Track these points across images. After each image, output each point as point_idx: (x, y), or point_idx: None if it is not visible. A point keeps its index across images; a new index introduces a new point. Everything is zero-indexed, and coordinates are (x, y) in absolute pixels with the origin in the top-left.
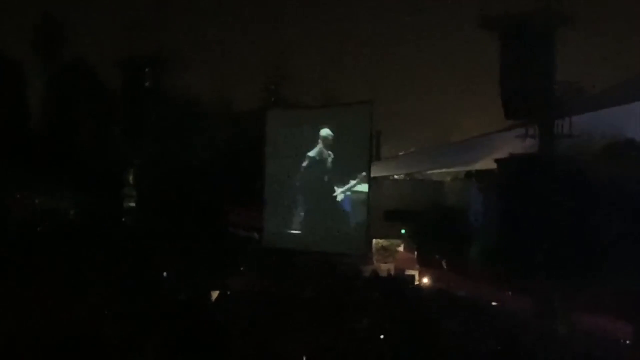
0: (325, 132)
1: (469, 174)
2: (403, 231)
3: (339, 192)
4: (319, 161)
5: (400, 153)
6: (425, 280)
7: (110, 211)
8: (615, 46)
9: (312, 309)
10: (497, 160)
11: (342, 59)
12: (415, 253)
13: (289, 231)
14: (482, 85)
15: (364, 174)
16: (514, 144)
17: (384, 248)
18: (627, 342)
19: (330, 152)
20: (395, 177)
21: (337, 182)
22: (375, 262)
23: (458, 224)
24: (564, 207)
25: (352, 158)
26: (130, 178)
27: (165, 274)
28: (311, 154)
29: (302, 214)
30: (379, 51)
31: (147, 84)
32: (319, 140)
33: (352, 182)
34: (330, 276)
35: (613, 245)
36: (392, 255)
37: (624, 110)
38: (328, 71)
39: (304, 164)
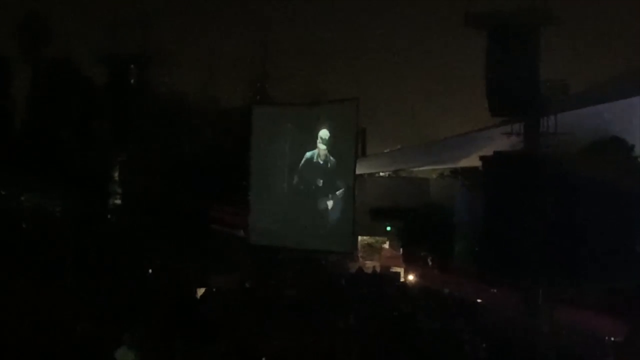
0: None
1: (454, 172)
2: (388, 228)
3: (324, 189)
4: (304, 158)
5: (386, 150)
6: (410, 277)
7: (95, 209)
8: (601, 44)
9: (298, 307)
10: (482, 158)
11: (328, 56)
12: (401, 250)
13: (274, 229)
14: (467, 83)
15: (350, 171)
16: (499, 141)
17: (369, 245)
18: (613, 339)
19: (319, 150)
20: (381, 174)
21: (323, 179)
22: (360, 259)
23: (443, 221)
24: (550, 205)
25: (337, 155)
26: (116, 176)
27: (150, 271)
28: (297, 151)
29: (288, 211)
30: (364, 48)
31: (132, 81)
32: (301, 138)
33: (338, 180)
34: (316, 274)
35: (598, 242)
36: (378, 252)
37: (609, 108)
38: (314, 68)
39: (289, 161)
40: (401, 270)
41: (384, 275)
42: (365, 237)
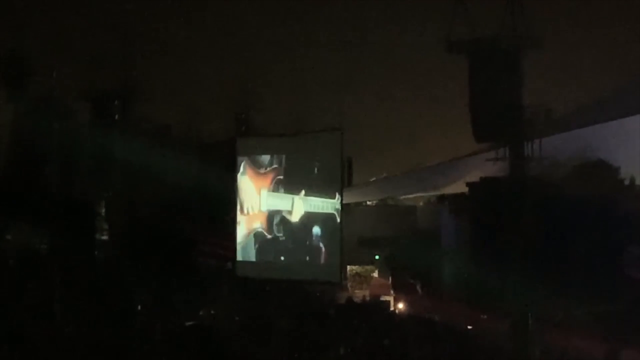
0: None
1: (441, 198)
2: (377, 257)
3: (311, 220)
4: (289, 189)
5: (372, 179)
6: (400, 305)
7: (82, 245)
8: (584, 67)
9: (287, 338)
10: (468, 184)
11: (311, 87)
12: (390, 279)
13: (261, 260)
14: (451, 109)
15: (336, 201)
16: (485, 167)
17: (358, 275)
18: None
19: (300, 182)
20: (368, 203)
21: (309, 210)
22: (349, 289)
23: (431, 248)
24: (536, 229)
25: (323, 185)
26: (102, 211)
27: (139, 307)
28: (281, 181)
29: (274, 242)
30: (348, 78)
31: (116, 116)
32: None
33: (324, 209)
34: (305, 305)
35: (586, 266)
36: (367, 281)
37: (593, 131)
38: (298, 98)
39: (275, 192)
40: (391, 299)
41: (374, 304)
42: (354, 267)
